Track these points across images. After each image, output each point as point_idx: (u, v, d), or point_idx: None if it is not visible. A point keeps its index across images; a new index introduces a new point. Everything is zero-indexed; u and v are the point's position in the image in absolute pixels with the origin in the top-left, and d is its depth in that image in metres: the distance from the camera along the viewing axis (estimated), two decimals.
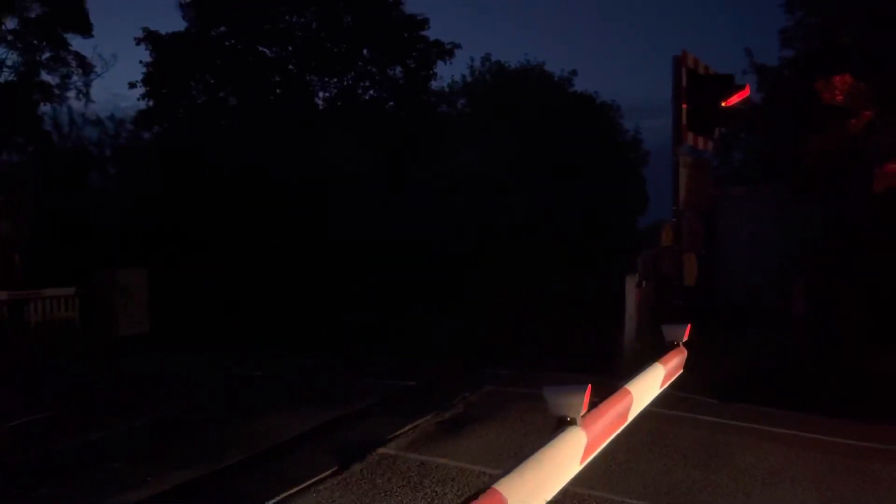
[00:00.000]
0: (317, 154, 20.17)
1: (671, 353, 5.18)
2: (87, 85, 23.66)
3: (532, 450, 2.76)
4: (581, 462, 3.09)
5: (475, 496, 2.09)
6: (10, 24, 21.95)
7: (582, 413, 3.03)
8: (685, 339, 5.44)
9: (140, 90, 23.21)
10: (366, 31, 24.10)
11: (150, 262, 16.83)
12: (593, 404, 3.31)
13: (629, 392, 4.10)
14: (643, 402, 4.37)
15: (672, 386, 9.27)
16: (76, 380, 11.13)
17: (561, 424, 2.99)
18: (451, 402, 8.33)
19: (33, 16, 22.25)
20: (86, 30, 22.88)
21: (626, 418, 3.98)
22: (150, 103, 23.39)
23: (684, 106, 9.61)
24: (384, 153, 20.82)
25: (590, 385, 3.06)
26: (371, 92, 25.24)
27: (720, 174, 20.37)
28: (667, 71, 9.88)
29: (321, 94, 24.84)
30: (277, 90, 24.27)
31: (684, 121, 9.68)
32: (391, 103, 25.11)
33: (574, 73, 27.74)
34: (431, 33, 24.98)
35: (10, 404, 8.83)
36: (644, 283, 10.82)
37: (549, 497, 2.60)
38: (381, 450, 6.45)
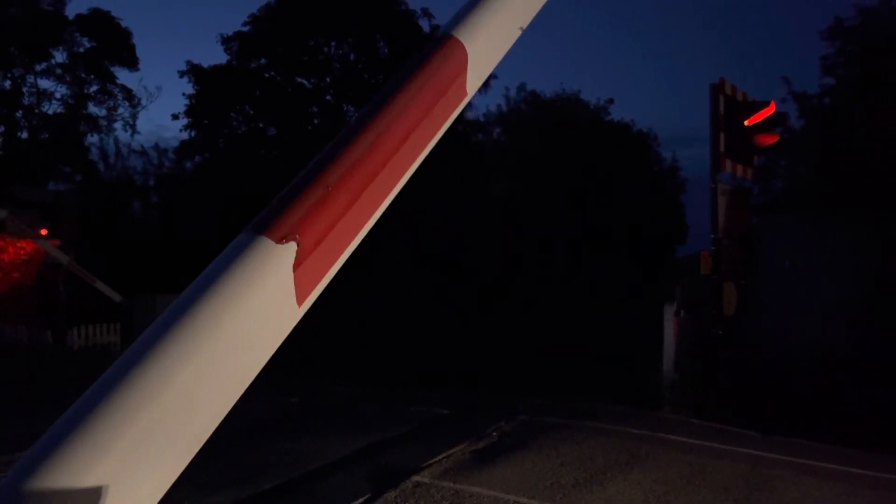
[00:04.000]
0: None
1: None
2: (133, 116, 24.43)
3: None
4: None
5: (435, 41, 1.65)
6: (60, 57, 22.75)
7: None
8: None
9: (183, 121, 23.86)
10: (401, 61, 24.46)
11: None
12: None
13: None
14: None
15: (712, 418, 9.08)
16: None
17: None
18: (486, 430, 8.26)
19: (82, 50, 23.08)
20: (132, 63, 23.67)
21: None
22: (193, 134, 24.00)
23: (722, 133, 9.54)
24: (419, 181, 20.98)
25: None
26: None
27: (761, 202, 20.10)
28: (704, 99, 9.82)
29: None
30: (315, 120, 24.71)
31: (722, 148, 9.60)
32: None
33: (610, 101, 27.85)
34: None
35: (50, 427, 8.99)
36: (682, 312, 10.68)
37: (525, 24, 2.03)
38: (415, 477, 6.41)
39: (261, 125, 24.64)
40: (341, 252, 1.49)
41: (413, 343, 15.55)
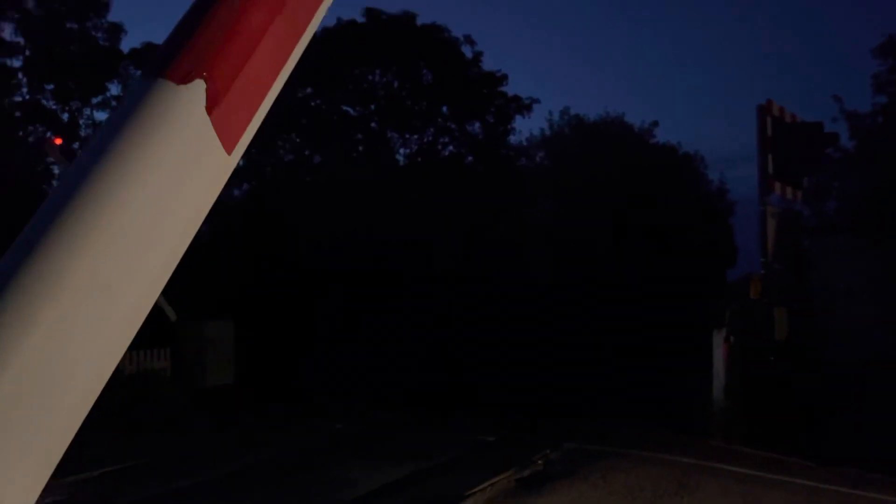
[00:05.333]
0: (396, 209, 20.59)
1: None
2: None
3: None
4: None
5: None
6: (115, 90, 23.58)
7: None
8: None
9: None
10: (445, 89, 24.70)
11: (236, 313, 17.37)
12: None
13: None
14: None
15: (764, 446, 8.83)
16: (165, 429, 11.50)
17: None
18: (531, 458, 8.15)
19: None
20: None
21: None
22: (241, 162, 24.57)
23: (770, 156, 9.38)
24: (463, 207, 21.05)
25: None
26: (450, 147, 25.71)
27: (813, 224, 19.61)
28: (752, 119, 9.67)
29: (402, 151, 25.49)
30: (360, 147, 25.05)
31: (771, 171, 9.44)
32: (470, 158, 25.49)
33: (655, 123, 27.52)
34: (510, 88, 25.40)
35: (103, 451, 9.18)
36: (732, 337, 10.43)
37: None
38: None
39: (307, 153, 25.08)
40: (268, 85, 1.23)
41: (456, 366, 15.50)
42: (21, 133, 20.06)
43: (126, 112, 1.09)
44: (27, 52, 19.91)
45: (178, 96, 1.09)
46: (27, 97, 20.33)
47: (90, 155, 1.04)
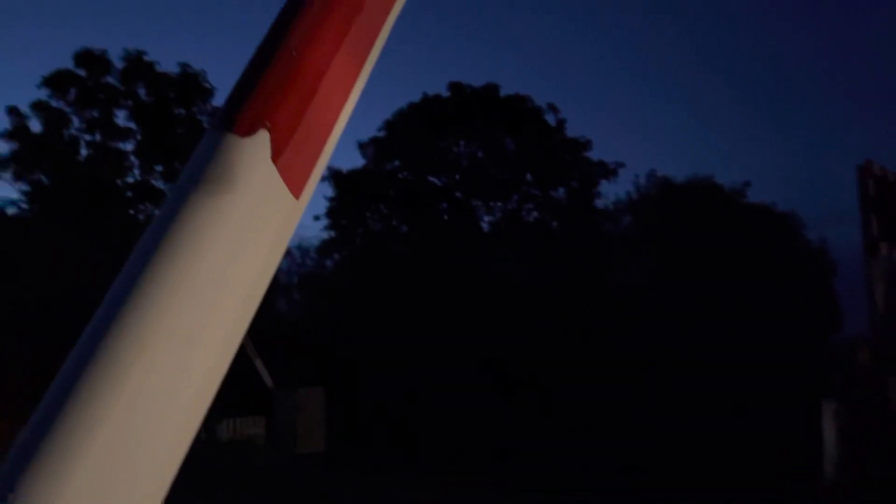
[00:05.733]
0: (483, 276, 20.67)
1: None
2: None
3: None
4: None
5: None
6: None
7: None
8: None
9: (323, 222, 25.32)
10: (528, 157, 24.99)
11: (327, 382, 17.65)
12: None
13: None
14: None
15: None
16: (258, 495, 11.67)
17: None
18: None
19: None
20: None
21: None
22: (332, 234, 25.38)
23: (874, 217, 8.99)
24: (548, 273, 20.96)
25: None
26: (534, 214, 25.81)
27: None
28: (853, 174, 9.34)
29: (486, 218, 25.76)
30: (445, 216, 25.47)
31: (876, 232, 9.03)
32: (554, 223, 25.48)
33: (747, 184, 26.86)
34: (594, 153, 25.45)
35: None
36: (843, 410, 9.83)
37: None
38: None
39: (394, 223, 25.70)
40: (329, 128, 1.27)
41: (551, 437, 15.17)
42: (132, 211, 21.42)
43: (196, 170, 1.13)
44: (138, 137, 21.43)
45: (244, 150, 1.14)
46: (139, 178, 21.80)
47: (165, 214, 1.09)
